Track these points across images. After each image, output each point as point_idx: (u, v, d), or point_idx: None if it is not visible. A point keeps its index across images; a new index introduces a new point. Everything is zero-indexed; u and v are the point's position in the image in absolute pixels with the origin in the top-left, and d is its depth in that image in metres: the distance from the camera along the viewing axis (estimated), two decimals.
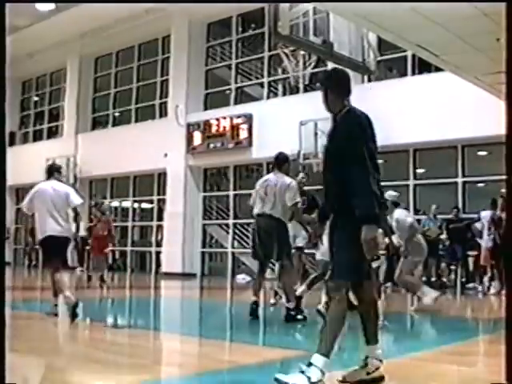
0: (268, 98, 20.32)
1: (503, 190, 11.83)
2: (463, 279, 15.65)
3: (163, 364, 5.68)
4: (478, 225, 14.50)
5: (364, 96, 17.06)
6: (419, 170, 17.27)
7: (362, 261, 4.21)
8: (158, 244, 22.64)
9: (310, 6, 10.16)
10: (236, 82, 21.22)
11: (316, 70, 16.75)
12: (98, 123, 26.06)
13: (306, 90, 19.05)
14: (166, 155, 21.27)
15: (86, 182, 25.02)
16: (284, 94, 20.28)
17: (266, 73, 20.37)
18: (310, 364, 4.03)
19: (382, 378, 4.31)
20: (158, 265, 22.31)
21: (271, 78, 20.34)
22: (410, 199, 17.16)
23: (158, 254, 22.55)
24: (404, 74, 17.50)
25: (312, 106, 17.54)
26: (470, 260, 15.58)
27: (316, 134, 17.36)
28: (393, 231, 9.10)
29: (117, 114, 25.36)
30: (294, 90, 19.32)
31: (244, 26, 21.38)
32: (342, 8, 8.50)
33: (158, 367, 5.40)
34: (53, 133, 27.97)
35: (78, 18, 22.07)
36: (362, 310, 4.44)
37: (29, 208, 8.59)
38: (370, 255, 4.11)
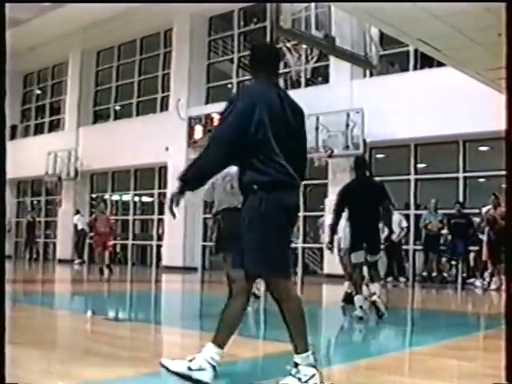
0: None
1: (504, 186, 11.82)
2: (464, 274, 15.65)
3: (163, 357, 5.64)
4: (478, 220, 14.52)
5: (366, 91, 17.17)
6: (420, 165, 17.27)
7: (278, 250, 3.82)
8: (159, 238, 22.64)
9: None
10: (238, 76, 21.18)
11: (318, 64, 16.71)
12: (99, 117, 26.00)
13: (307, 85, 19.06)
14: (167, 149, 21.23)
15: (87, 176, 25.02)
16: (286, 88, 20.23)
17: None
18: (296, 364, 3.87)
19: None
20: (159, 258, 22.31)
21: None
22: (410, 194, 17.16)
23: (158, 247, 22.54)
24: (406, 69, 17.47)
25: (313, 101, 17.59)
26: (472, 255, 15.58)
27: (317, 128, 17.34)
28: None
29: (118, 108, 25.32)
30: (296, 85, 19.29)
31: (246, 20, 21.34)
32: (343, 2, 8.49)
33: (157, 360, 5.39)
34: (54, 126, 27.91)
35: (79, 11, 22.00)
36: (282, 310, 3.97)
37: None
38: None
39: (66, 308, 9.82)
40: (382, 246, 9.41)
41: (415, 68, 17.14)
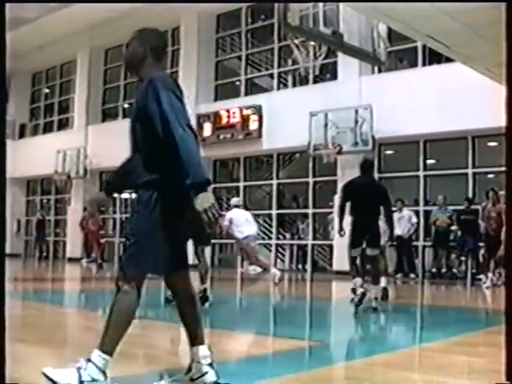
0: (278, 89, 20.31)
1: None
2: (473, 270, 15.63)
3: (172, 354, 5.73)
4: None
5: (374, 87, 17.17)
6: (429, 161, 17.26)
7: (169, 246, 3.64)
8: None
9: None
10: (246, 73, 21.20)
11: (326, 60, 16.70)
12: (108, 115, 26.07)
13: (315, 81, 19.07)
14: None
15: (96, 174, 25.08)
16: (294, 84, 20.27)
17: (275, 64, 20.35)
18: (88, 360, 3.54)
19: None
20: None
21: (281, 69, 20.32)
22: (420, 190, 17.15)
23: None
24: (414, 65, 17.45)
25: (322, 97, 17.65)
26: (481, 251, 15.54)
27: (326, 124, 17.37)
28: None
29: (127, 106, 25.36)
30: (304, 81, 19.31)
31: (253, 17, 21.35)
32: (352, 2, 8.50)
33: (168, 357, 5.44)
34: (63, 125, 27.99)
35: (87, 9, 22.07)
36: (178, 305, 3.92)
37: None
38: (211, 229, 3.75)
39: (75, 306, 9.91)
40: (391, 243, 9.65)
41: (424, 64, 17.12)
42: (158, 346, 6.04)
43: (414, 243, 16.81)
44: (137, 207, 3.71)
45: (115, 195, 9.90)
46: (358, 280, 8.60)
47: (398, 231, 16.14)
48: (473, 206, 15.29)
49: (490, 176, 16.61)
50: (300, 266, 19.98)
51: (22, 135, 29.00)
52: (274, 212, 20.16)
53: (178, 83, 3.72)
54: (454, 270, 16.21)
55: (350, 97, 17.08)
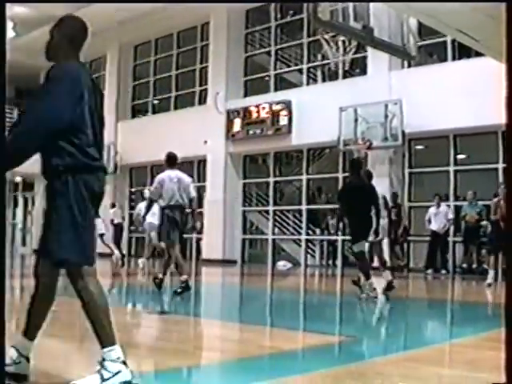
0: (307, 84, 20.35)
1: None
2: (504, 266, 15.52)
3: (205, 349, 5.78)
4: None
5: (404, 81, 17.13)
6: (460, 156, 17.18)
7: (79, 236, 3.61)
8: (199, 231, 22.80)
9: None
10: (275, 69, 21.27)
11: (356, 55, 16.69)
12: (137, 111, 26.31)
13: (345, 76, 19.07)
14: (205, 142, 21.43)
15: (126, 170, 25.31)
16: (323, 80, 20.28)
17: (305, 59, 20.39)
18: (103, 360, 3.62)
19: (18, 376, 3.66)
20: (199, 252, 22.51)
21: (310, 64, 20.38)
22: (450, 185, 17.08)
23: (198, 240, 22.75)
24: (444, 59, 17.38)
25: (352, 92, 17.66)
26: None
27: (356, 119, 17.38)
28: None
29: (156, 102, 25.57)
30: (334, 76, 19.32)
31: (283, 13, 21.38)
32: None
33: (199, 352, 5.52)
34: None
35: (116, 5, 22.24)
36: (82, 302, 3.78)
37: None
38: None
39: (111, 302, 9.92)
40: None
41: (453, 58, 17.05)
42: (187, 340, 6.10)
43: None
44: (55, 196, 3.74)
45: None
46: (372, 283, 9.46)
47: (433, 226, 16.17)
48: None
49: None
50: (330, 262, 20.01)
51: None
52: (303, 207, 20.23)
53: (80, 74, 3.74)
54: (485, 266, 16.11)
55: (379, 92, 17.08)
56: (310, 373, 4.38)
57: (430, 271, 16.18)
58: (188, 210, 10.10)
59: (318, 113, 18.06)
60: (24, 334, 3.75)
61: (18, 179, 31.21)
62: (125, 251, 24.41)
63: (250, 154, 21.68)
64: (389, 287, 9.91)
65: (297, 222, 20.56)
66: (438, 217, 16.01)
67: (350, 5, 10.22)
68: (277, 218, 21.09)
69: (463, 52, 16.15)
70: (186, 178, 10.15)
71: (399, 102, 16.60)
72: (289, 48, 21.22)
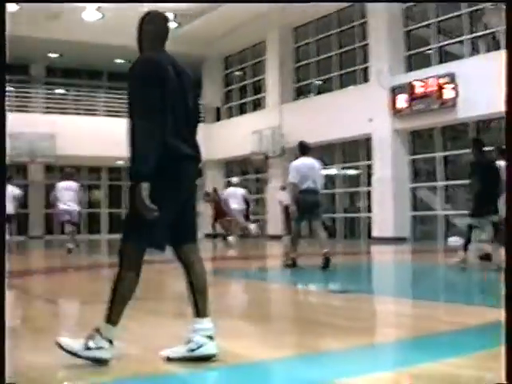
0: (471, 55, 20.56)
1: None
2: None
3: (383, 326, 6.03)
4: None
5: None
6: None
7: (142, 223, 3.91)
8: (367, 210, 23.61)
9: None
10: (437, 42, 21.55)
11: None
12: (300, 93, 27.40)
13: None
14: (370, 120, 22.07)
15: (292, 152, 26.35)
16: (487, 50, 20.36)
17: (467, 30, 20.53)
18: (96, 330, 3.92)
19: (208, 357, 4.00)
20: (369, 230, 23.28)
21: (473, 35, 20.54)
22: None
23: (367, 219, 23.53)
24: None
25: None
26: None
27: None
28: None
29: (319, 83, 26.48)
30: (497, 46, 19.35)
31: None
32: None
33: (382, 330, 5.80)
34: (257, 105, 29.78)
35: None
36: (186, 276, 4.22)
37: None
38: (148, 216, 3.85)
39: (284, 282, 10.54)
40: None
41: None
42: (367, 318, 6.32)
43: None
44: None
45: None
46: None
47: None
48: None
49: None
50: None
51: (217, 118, 30.98)
52: None
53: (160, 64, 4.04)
54: None
55: None
56: (491, 348, 4.20)
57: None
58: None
59: (483, 84, 18.21)
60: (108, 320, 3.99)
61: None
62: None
63: (415, 130, 22.17)
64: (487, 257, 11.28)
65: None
66: None
67: None
68: (447, 193, 21.51)
69: None
70: (317, 165, 11.54)
71: None
72: (450, 19, 21.39)
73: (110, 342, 3.91)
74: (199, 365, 3.95)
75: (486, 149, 11.58)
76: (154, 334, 5.15)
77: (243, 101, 30.86)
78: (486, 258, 11.37)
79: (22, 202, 20.24)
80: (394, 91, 21.49)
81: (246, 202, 21.39)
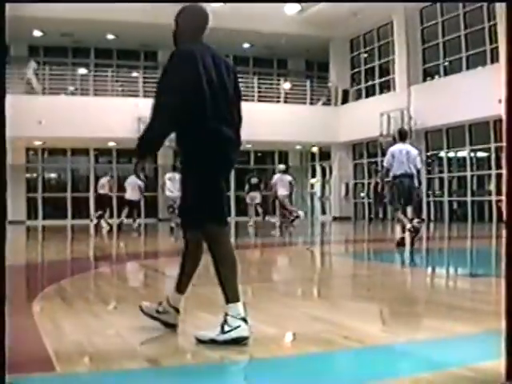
0: None
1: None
2: None
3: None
4: None
5: None
6: None
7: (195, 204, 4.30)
8: (498, 192, 23.41)
9: None
10: None
11: None
12: (428, 74, 27.41)
13: None
14: (500, 101, 21.73)
15: (421, 134, 26.54)
16: None
17: None
18: (226, 315, 4.18)
19: (242, 338, 4.13)
20: (500, 214, 23.11)
21: None
22: None
23: (497, 203, 23.36)
24: None
25: None
26: None
27: None
28: None
29: (447, 64, 26.36)
30: None
31: None
32: None
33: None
34: (384, 87, 30.00)
35: None
36: (214, 263, 4.31)
37: None
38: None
39: (407, 264, 10.89)
40: None
41: None
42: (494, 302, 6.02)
43: None
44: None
45: None
46: None
47: None
48: None
49: None
50: None
51: (344, 101, 31.27)
52: None
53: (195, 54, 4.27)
54: None
55: None
56: None
57: None
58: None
59: None
60: (176, 288, 4.60)
61: (315, 149, 33.61)
62: (424, 216, 25.80)
63: None
64: None
65: None
66: None
67: None
68: None
69: None
70: (414, 151, 12.37)
71: None
72: None
73: (244, 320, 4.15)
74: (337, 345, 4.22)
75: None
76: (288, 314, 5.49)
77: (371, 83, 31.11)
78: None
79: (144, 191, 23.08)
80: None
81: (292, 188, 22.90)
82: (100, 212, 23.46)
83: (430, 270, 10.34)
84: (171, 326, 4.57)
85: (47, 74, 28.63)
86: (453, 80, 25.07)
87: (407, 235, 12.34)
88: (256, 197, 24.49)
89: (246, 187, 24.77)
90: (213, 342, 4.11)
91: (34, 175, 31.10)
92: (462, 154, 26.03)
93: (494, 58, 23.56)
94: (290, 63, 35.18)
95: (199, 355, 4.05)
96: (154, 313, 4.60)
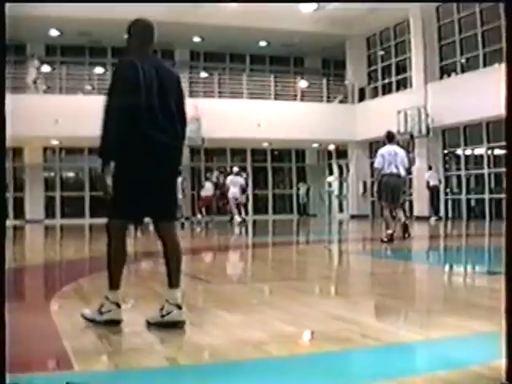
0: None
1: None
2: None
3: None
4: None
5: None
6: None
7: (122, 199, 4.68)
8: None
9: None
10: None
11: None
12: (445, 71, 27.27)
13: None
14: None
15: (438, 132, 26.49)
16: None
17: None
18: (106, 298, 4.73)
19: (175, 323, 4.60)
20: None
21: None
22: None
23: None
24: None
25: None
26: None
27: None
28: None
29: (463, 61, 26.26)
30: None
31: None
32: None
33: None
34: (401, 85, 29.94)
35: None
36: (164, 252, 4.84)
37: None
38: (103, 192, 4.62)
39: (425, 263, 10.88)
40: None
41: None
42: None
43: None
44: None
45: None
46: None
47: None
48: None
49: None
50: None
51: (361, 98, 31.24)
52: None
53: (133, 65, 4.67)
54: None
55: None
56: None
57: None
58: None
59: None
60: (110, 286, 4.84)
61: (331, 147, 33.62)
62: (442, 213, 25.76)
63: None
64: None
65: None
66: None
67: None
68: None
69: None
70: (401, 152, 13.38)
71: None
72: None
73: (118, 305, 4.71)
74: (354, 343, 4.26)
75: None
76: (307, 312, 5.51)
77: (387, 81, 31.05)
78: None
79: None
80: None
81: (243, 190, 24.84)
82: None
83: (447, 267, 10.39)
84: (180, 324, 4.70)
85: (64, 73, 28.88)
86: (469, 77, 24.93)
87: (395, 231, 13.18)
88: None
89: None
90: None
91: (52, 174, 31.34)
92: (479, 151, 25.95)
93: None
94: (307, 61, 35.21)
95: (217, 353, 4.06)
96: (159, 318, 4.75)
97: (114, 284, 4.74)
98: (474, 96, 23.33)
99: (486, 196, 25.27)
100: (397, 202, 13.50)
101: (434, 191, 25.43)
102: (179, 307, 4.63)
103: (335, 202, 34.96)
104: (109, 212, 4.79)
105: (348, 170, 32.44)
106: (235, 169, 27.15)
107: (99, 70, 30.75)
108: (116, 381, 3.57)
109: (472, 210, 26.47)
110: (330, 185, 35.20)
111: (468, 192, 26.43)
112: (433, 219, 24.61)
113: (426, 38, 27.12)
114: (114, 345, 4.27)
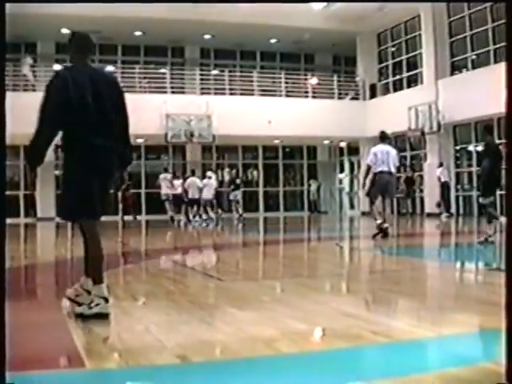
0: None
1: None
2: None
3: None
4: None
5: None
6: None
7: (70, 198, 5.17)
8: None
9: None
10: None
11: None
12: (456, 67, 27.16)
13: None
14: None
15: (449, 128, 26.39)
16: None
17: None
18: (88, 292, 5.09)
19: (102, 314, 4.90)
20: None
21: None
22: None
23: None
24: None
25: None
26: None
27: None
28: None
29: (474, 57, 26.15)
30: None
31: None
32: None
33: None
34: (412, 81, 29.84)
35: None
36: (85, 246, 5.32)
37: None
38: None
39: (435, 258, 10.98)
40: None
41: None
42: None
43: None
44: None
45: None
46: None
47: None
48: None
49: None
50: None
51: (372, 95, 31.17)
52: None
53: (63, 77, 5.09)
54: None
55: None
56: None
57: None
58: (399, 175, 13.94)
59: None
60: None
61: (343, 144, 33.56)
62: (453, 210, 25.68)
63: None
64: None
65: None
66: None
67: None
68: None
69: None
70: (393, 151, 13.98)
71: None
72: None
73: (105, 299, 4.97)
74: (365, 340, 4.27)
75: None
76: (318, 309, 5.51)
77: (398, 77, 30.97)
78: None
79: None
80: None
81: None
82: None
83: (458, 264, 10.41)
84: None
85: None
86: (480, 73, 24.77)
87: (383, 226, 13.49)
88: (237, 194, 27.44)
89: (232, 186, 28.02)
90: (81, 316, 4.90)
91: None
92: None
93: None
94: (317, 58, 35.14)
95: (227, 350, 4.07)
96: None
97: (97, 279, 5.06)
98: (485, 92, 23.19)
99: (497, 192, 25.03)
100: (390, 198, 14.24)
101: (444, 188, 25.33)
102: (106, 300, 4.97)
103: (346, 199, 34.92)
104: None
105: (359, 167, 32.33)
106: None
107: (110, 68, 30.81)
108: (127, 378, 3.59)
109: (483, 206, 26.27)
110: (340, 182, 35.16)
111: (479, 188, 26.21)
112: (444, 216, 24.53)
113: (436, 34, 26.99)
114: (125, 342, 4.27)
